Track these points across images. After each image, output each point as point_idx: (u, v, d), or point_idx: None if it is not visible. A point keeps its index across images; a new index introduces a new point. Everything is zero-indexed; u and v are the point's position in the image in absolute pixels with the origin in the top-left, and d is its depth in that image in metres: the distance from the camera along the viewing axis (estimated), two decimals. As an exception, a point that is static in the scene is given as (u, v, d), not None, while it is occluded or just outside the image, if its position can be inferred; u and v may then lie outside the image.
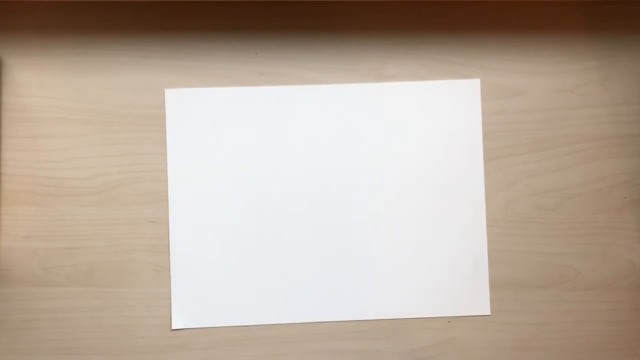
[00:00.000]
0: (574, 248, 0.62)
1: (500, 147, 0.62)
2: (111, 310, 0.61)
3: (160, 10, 0.61)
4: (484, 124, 0.62)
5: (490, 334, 0.61)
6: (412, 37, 0.61)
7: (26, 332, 0.61)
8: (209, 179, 0.61)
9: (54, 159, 0.61)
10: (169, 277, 0.61)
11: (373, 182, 0.61)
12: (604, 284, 0.62)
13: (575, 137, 0.62)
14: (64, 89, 0.61)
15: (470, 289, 0.61)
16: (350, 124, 0.61)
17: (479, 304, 0.61)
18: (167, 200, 0.61)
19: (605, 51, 0.62)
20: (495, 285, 0.61)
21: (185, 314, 0.60)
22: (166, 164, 0.61)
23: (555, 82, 0.61)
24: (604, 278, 0.62)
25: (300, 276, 0.61)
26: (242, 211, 0.61)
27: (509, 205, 0.62)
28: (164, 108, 0.61)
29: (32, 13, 0.61)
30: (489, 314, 0.61)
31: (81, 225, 0.61)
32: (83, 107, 0.61)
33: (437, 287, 0.61)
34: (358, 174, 0.61)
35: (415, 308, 0.61)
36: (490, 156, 0.62)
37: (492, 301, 0.61)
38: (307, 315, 0.60)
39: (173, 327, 0.60)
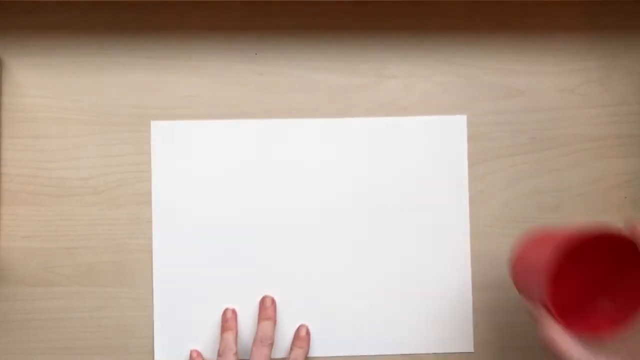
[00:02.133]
0: (574, 248, 0.62)
1: (500, 147, 0.62)
2: (111, 310, 0.61)
3: (160, 10, 0.61)
4: (484, 124, 0.62)
5: (489, 334, 0.61)
6: (412, 37, 0.61)
7: (26, 332, 0.61)
8: (195, 215, 0.61)
9: (54, 159, 0.61)
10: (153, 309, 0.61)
11: (361, 215, 0.61)
12: (604, 284, 0.62)
13: (575, 137, 0.62)
14: (64, 89, 0.61)
15: (455, 327, 0.61)
16: (335, 157, 0.61)
17: (464, 341, 0.61)
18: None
19: (605, 51, 0.62)
20: (495, 285, 0.61)
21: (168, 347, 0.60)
22: (151, 194, 0.61)
23: (555, 82, 0.61)
24: (604, 278, 0.62)
25: (287, 313, 0.60)
26: (230, 244, 0.61)
27: (509, 205, 0.62)
28: (164, 108, 0.61)
29: (32, 13, 0.61)
30: (472, 351, 0.61)
31: (81, 225, 0.61)
32: (83, 107, 0.61)
33: (423, 323, 0.61)
34: (345, 207, 0.61)
35: (401, 344, 0.61)
36: (490, 156, 0.62)
37: (492, 301, 0.61)
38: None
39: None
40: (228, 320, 0.59)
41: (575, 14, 0.62)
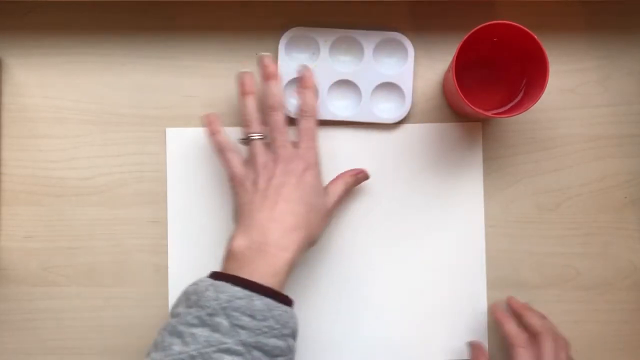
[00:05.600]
0: (574, 248, 0.62)
1: (500, 147, 0.62)
2: (111, 310, 0.61)
3: (160, 10, 0.61)
4: (484, 123, 0.62)
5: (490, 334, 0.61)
6: (412, 37, 0.61)
7: (26, 332, 0.61)
8: (207, 217, 0.61)
9: (54, 159, 0.61)
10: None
11: (377, 227, 0.61)
12: (604, 284, 0.62)
13: (575, 137, 0.62)
14: (64, 89, 0.61)
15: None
16: (349, 163, 0.61)
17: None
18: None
19: (605, 51, 0.62)
20: (496, 285, 0.61)
21: None
22: (166, 202, 0.61)
23: (555, 82, 0.61)
24: (604, 278, 0.62)
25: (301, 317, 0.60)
26: None
27: (509, 205, 0.62)
28: (164, 108, 0.61)
29: (32, 13, 0.61)
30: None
31: (81, 225, 0.61)
32: (83, 107, 0.61)
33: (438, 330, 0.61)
34: (360, 215, 0.61)
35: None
36: (490, 156, 0.62)
37: (492, 301, 0.61)
38: None
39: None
40: (245, 85, 0.56)
41: (575, 14, 0.62)
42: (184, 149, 0.61)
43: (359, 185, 0.61)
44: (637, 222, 0.62)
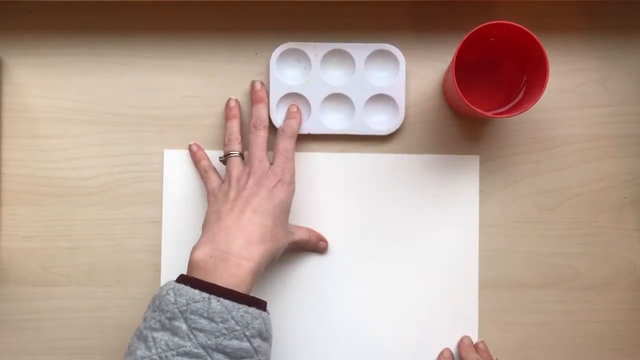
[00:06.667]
0: (574, 248, 0.62)
1: (500, 147, 0.62)
2: (111, 310, 0.61)
3: (159, 10, 0.61)
4: (484, 123, 0.62)
5: (490, 334, 0.61)
6: (412, 37, 0.61)
7: (26, 331, 0.61)
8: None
9: (54, 159, 0.61)
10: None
11: (370, 229, 0.61)
12: (604, 284, 0.62)
13: (575, 137, 0.62)
14: (64, 89, 0.61)
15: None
16: (343, 188, 0.61)
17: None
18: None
19: (605, 51, 0.62)
20: (495, 285, 0.61)
21: None
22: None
23: (555, 82, 0.61)
24: (604, 278, 0.62)
25: (292, 327, 0.61)
26: None
27: (509, 205, 0.62)
28: (164, 108, 0.61)
29: (32, 13, 0.61)
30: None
31: (81, 225, 0.61)
32: (83, 107, 0.61)
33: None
34: (352, 215, 0.61)
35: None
36: (490, 156, 0.62)
37: (492, 301, 0.61)
38: None
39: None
40: (232, 109, 0.60)
41: (575, 14, 0.62)
42: (181, 170, 0.61)
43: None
44: (636, 222, 0.62)
